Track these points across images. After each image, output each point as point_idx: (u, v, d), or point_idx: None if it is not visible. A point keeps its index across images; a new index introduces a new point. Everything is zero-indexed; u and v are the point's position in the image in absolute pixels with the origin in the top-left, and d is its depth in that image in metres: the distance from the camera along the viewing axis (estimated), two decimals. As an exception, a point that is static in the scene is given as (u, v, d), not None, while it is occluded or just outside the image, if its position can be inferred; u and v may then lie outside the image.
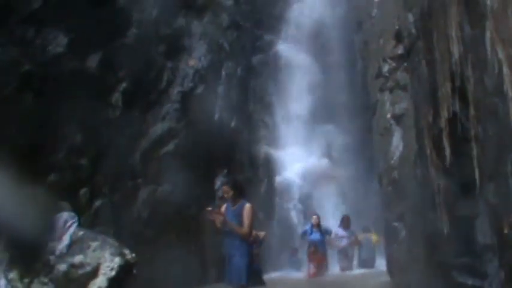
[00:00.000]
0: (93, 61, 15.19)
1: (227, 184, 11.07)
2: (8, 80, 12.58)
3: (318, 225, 20.25)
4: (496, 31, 5.73)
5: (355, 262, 20.70)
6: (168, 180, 16.97)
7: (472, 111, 6.70)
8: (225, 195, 10.80)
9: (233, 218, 10.59)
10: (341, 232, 20.71)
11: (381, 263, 18.81)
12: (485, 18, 5.93)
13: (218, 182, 11.52)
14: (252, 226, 10.75)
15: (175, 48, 18.71)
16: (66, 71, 13.95)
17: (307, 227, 20.75)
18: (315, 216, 20.65)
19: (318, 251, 19.78)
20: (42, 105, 13.19)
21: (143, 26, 17.17)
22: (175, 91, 18.10)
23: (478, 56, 6.38)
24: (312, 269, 19.32)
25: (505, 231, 5.51)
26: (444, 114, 7.47)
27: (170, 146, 17.30)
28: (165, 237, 15.48)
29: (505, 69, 5.56)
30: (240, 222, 10.52)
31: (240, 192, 10.91)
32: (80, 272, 7.91)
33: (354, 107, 22.70)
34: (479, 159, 6.46)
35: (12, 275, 7.84)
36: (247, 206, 10.67)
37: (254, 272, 16.19)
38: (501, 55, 5.64)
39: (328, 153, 24.78)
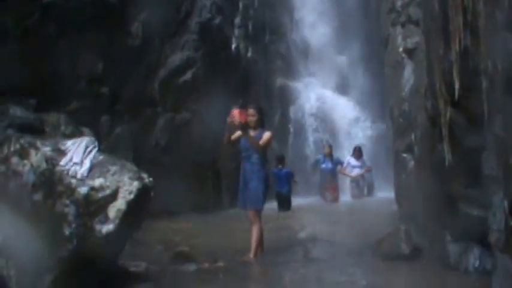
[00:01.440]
0: (114, -9, 15.09)
1: (253, 108, 11.05)
2: (29, 11, 12.53)
3: (330, 155, 20.34)
4: (508, -35, 5.63)
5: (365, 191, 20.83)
6: (186, 108, 17.02)
7: (482, 46, 6.63)
8: (250, 119, 10.78)
9: (251, 145, 10.66)
10: (353, 162, 20.81)
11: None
12: (498, -47, 5.82)
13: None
14: (267, 146, 10.88)
15: (194, -20, 18.53)
16: (88, 1, 13.87)
17: (320, 156, 20.85)
18: (327, 146, 20.74)
19: (332, 180, 19.97)
20: (63, 35, 13.16)
21: (161, -44, 17.00)
22: (193, 22, 18.01)
23: (490, -9, 6.28)
24: (330, 197, 19.50)
25: (510, 162, 5.49)
26: (455, 48, 7.39)
27: (188, 75, 17.31)
28: (182, 163, 15.57)
29: (517, 4, 5.48)
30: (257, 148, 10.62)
31: (262, 119, 10.95)
32: (100, 194, 7.96)
33: (368, 40, 22.53)
34: (488, 93, 6.41)
35: (37, 196, 7.92)
36: (268, 132, 10.76)
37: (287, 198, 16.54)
38: (513, -10, 5.55)
39: (342, 84, 24.70)
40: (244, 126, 10.62)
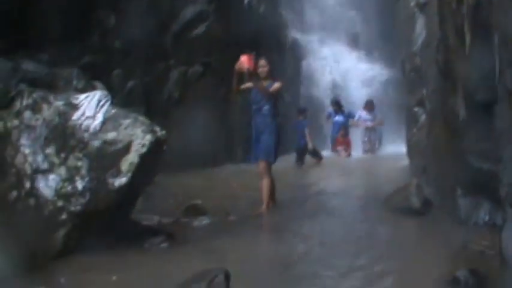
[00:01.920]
0: None
1: (264, 58, 10.99)
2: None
3: (341, 109, 20.32)
4: None
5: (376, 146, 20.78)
6: (198, 61, 16.97)
7: (495, -1, 6.56)
8: (261, 69, 10.75)
9: (265, 96, 10.63)
10: (364, 115, 20.76)
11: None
12: None
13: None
14: (278, 95, 11.05)
15: None
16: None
17: (331, 109, 20.82)
18: (339, 100, 20.70)
19: (344, 133, 19.94)
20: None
21: None
22: (206, -26, 17.85)
23: None
24: (343, 152, 19.47)
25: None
26: (467, 1, 7.32)
27: (201, 29, 17.22)
28: (194, 117, 15.55)
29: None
30: (273, 99, 10.63)
31: (272, 70, 10.90)
32: (113, 148, 7.96)
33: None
34: (500, 46, 6.35)
35: (49, 150, 7.94)
36: (278, 84, 10.71)
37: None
38: None
39: (354, 39, 24.56)
40: (252, 73, 10.60)
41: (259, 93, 10.68)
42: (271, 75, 10.88)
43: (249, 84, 10.80)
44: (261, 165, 10.71)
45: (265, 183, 10.63)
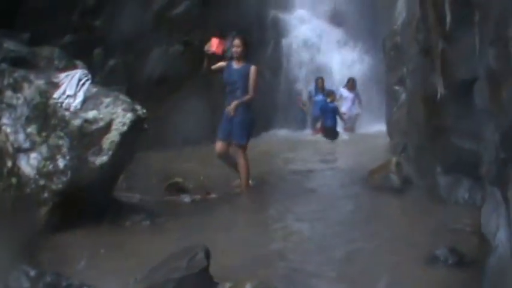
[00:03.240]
0: None
1: (239, 38, 10.92)
2: None
3: (322, 88, 20.32)
4: None
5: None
6: (179, 40, 16.90)
7: (475, -22, 6.55)
8: (235, 49, 10.69)
9: (240, 78, 10.58)
10: (345, 93, 20.74)
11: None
12: None
13: (228, 43, 11.50)
14: (257, 88, 10.76)
15: None
16: None
17: (311, 88, 20.82)
18: (319, 79, 20.70)
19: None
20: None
21: None
22: (186, -46, 17.74)
23: None
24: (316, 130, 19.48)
25: (503, 95, 5.46)
26: (448, -20, 7.32)
27: (181, 8, 17.12)
28: (176, 96, 15.52)
29: None
30: (246, 82, 10.52)
31: (247, 50, 10.83)
32: (94, 127, 7.94)
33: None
34: (480, 24, 6.34)
35: (30, 129, 7.91)
36: (253, 67, 10.62)
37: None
38: None
39: (335, 17, 24.48)
40: (219, 57, 10.66)
41: (232, 74, 10.66)
42: (245, 56, 10.81)
43: (220, 65, 10.79)
44: (234, 148, 10.69)
45: (243, 163, 10.60)
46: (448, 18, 7.40)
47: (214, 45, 10.61)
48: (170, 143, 14.46)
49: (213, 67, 10.86)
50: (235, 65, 10.66)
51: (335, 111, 19.30)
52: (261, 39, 20.48)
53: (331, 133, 18.88)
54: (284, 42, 22.93)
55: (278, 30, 22.74)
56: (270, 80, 20.51)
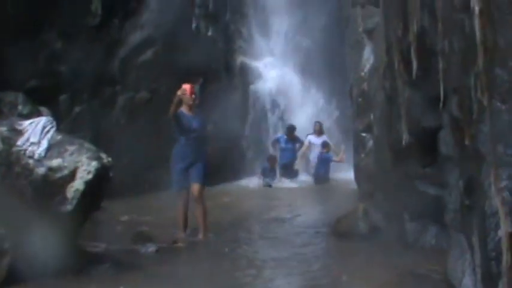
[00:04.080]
0: (72, -31, 14.96)
1: (190, 83, 11.23)
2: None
3: (291, 135, 20.39)
4: None
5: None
6: (146, 87, 16.93)
7: (439, 27, 6.68)
8: (194, 97, 10.98)
9: (199, 125, 10.88)
10: (313, 139, 20.73)
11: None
12: None
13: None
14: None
15: (155, -42, 18.39)
16: (47, -20, 13.76)
17: (279, 135, 20.84)
18: (288, 126, 20.74)
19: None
20: (23, 11, 13.03)
21: None
22: (153, 0, 17.86)
23: (447, -28, 6.33)
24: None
25: (466, 143, 5.55)
26: (413, 28, 7.45)
27: (148, 54, 17.18)
28: (142, 143, 15.49)
29: (472, -14, 5.53)
30: (205, 130, 10.78)
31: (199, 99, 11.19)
32: (58, 175, 7.90)
33: (329, 21, 22.48)
34: (444, 72, 6.46)
35: (-7, 177, 7.85)
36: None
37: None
38: (469, -29, 5.60)
39: (303, 65, 24.64)
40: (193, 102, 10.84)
41: (192, 122, 10.83)
42: (198, 107, 11.22)
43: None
44: (196, 189, 10.76)
45: (200, 209, 10.74)
46: (414, 66, 7.53)
47: (187, 90, 10.75)
48: (136, 190, 14.42)
49: (172, 110, 10.98)
50: (191, 112, 10.88)
51: (328, 161, 19.69)
52: (229, 85, 20.59)
53: (321, 179, 19.47)
54: (252, 89, 23.02)
55: (246, 77, 22.84)
56: (237, 127, 20.56)
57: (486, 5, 5.39)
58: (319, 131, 20.82)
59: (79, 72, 14.94)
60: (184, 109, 10.95)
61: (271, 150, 20.88)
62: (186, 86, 10.85)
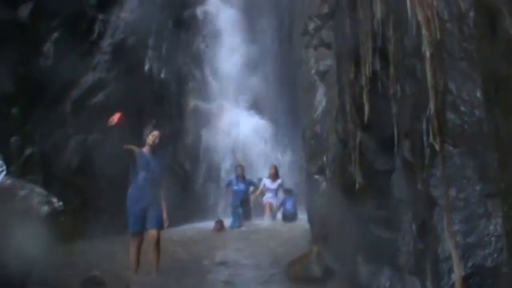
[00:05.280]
0: (25, 10, 14.92)
1: (158, 129, 11.24)
2: None
3: (243, 176, 20.32)
4: (416, -6, 5.76)
5: (279, 215, 20.63)
6: (98, 129, 16.81)
7: (391, 71, 6.75)
8: (153, 139, 10.98)
9: (157, 168, 10.80)
10: (268, 183, 20.69)
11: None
12: (406, -19, 5.95)
13: (147, 132, 11.69)
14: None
15: (107, 0, 18.46)
16: (-2, 20, 13.67)
17: (232, 177, 20.79)
18: (239, 167, 20.68)
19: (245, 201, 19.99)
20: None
21: (76, -22, 16.92)
22: (106, 43, 17.86)
23: (399, 17, 6.41)
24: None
25: (418, 187, 5.58)
26: (365, 72, 7.51)
27: (100, 96, 17.12)
28: (94, 185, 15.35)
29: (424, 31, 5.61)
30: (163, 172, 10.74)
31: (162, 142, 11.17)
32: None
33: (282, 63, 22.66)
34: (397, 116, 6.51)
35: None
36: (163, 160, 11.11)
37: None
38: (420, 17, 5.68)
39: (256, 107, 24.75)
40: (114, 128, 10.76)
41: (150, 163, 10.80)
42: (158, 149, 11.15)
43: (131, 147, 10.93)
44: (154, 234, 10.75)
45: (156, 251, 10.79)
46: (366, 110, 7.58)
47: (115, 118, 10.68)
48: (88, 233, 14.23)
49: (124, 147, 10.93)
50: (150, 153, 10.85)
51: (294, 203, 19.69)
52: (182, 128, 20.60)
53: (290, 217, 19.36)
54: (204, 131, 23.03)
55: (198, 120, 22.86)
56: (190, 169, 20.52)
57: (437, 50, 5.47)
58: (274, 174, 20.78)
59: (30, 113, 14.79)
60: (145, 149, 10.93)
61: (223, 192, 20.85)
62: (116, 115, 10.80)
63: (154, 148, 11.04)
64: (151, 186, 10.82)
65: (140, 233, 10.82)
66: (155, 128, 11.48)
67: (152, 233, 10.77)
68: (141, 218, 10.77)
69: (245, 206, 20.02)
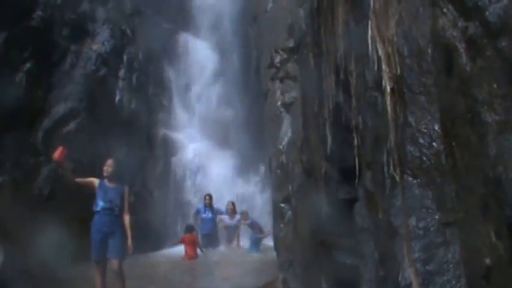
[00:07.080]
0: (-2, 41, 14.91)
1: (111, 159, 11.22)
2: None
3: (211, 205, 20.26)
4: (377, 30, 5.84)
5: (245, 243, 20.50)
6: (69, 158, 16.72)
7: (354, 103, 6.83)
8: (108, 169, 10.94)
9: (116, 197, 10.75)
10: (227, 220, 20.50)
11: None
12: (368, 18, 6.04)
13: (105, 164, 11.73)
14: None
15: (80, 32, 18.50)
16: (-29, 50, 13.63)
17: (200, 206, 20.71)
18: (207, 197, 20.60)
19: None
20: None
21: (48, 9, 16.93)
22: (78, 73, 17.87)
23: (360, 52, 6.50)
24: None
25: (380, 216, 5.64)
26: (328, 104, 7.59)
27: (72, 126, 17.08)
28: (66, 213, 15.24)
29: (384, 66, 5.68)
30: (123, 201, 10.65)
31: (119, 171, 11.11)
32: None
33: (249, 93, 22.74)
34: (359, 148, 6.59)
35: None
36: (127, 187, 11.00)
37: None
38: (381, 52, 5.76)
39: (223, 136, 24.77)
40: (59, 163, 10.74)
41: (108, 193, 10.78)
42: (119, 177, 11.07)
43: (88, 180, 10.93)
44: (115, 264, 10.76)
45: (120, 282, 10.75)
46: (329, 141, 7.65)
47: (57, 153, 10.67)
48: (61, 261, 14.09)
49: (78, 180, 10.90)
50: (109, 183, 10.85)
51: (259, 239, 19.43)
52: (151, 157, 20.58)
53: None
54: (173, 160, 23.01)
55: (168, 149, 22.84)
56: (159, 198, 20.48)
57: (397, 85, 5.55)
58: (232, 211, 20.56)
59: (1, 142, 14.71)
60: (105, 180, 10.93)
61: (191, 221, 20.70)
62: (58, 149, 10.84)
63: (111, 177, 11.01)
64: (110, 215, 10.80)
65: (102, 261, 10.78)
66: (108, 157, 11.40)
67: (113, 262, 10.73)
68: (101, 247, 10.73)
69: (213, 233, 19.95)
